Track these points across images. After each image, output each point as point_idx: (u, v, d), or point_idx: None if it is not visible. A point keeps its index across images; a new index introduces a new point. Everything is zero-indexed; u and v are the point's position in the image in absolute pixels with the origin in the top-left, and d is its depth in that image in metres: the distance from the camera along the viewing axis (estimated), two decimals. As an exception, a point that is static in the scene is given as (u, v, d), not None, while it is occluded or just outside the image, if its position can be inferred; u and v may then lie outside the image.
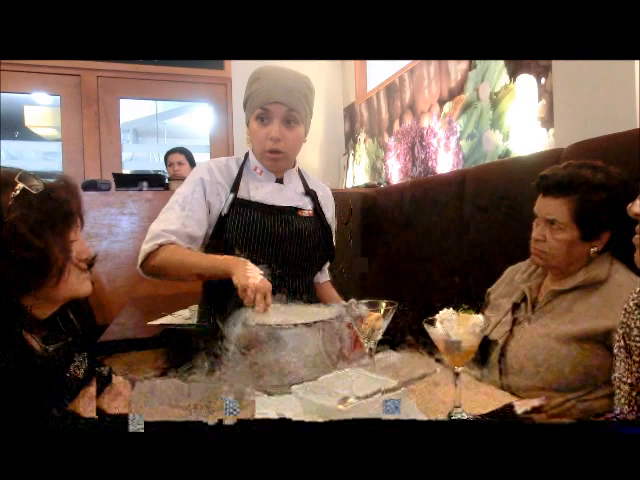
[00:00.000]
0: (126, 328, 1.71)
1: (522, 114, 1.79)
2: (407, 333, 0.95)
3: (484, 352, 1.02)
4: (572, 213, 0.96)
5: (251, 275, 0.89)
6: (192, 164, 2.83)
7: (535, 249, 1.03)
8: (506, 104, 1.88)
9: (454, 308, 0.73)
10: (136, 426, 0.51)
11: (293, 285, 1.11)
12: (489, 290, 1.21)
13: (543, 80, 1.68)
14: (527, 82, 1.76)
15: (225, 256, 0.98)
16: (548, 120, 1.66)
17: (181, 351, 1.02)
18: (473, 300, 0.85)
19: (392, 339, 1.00)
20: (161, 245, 1.01)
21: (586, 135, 1.21)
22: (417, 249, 1.92)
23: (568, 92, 1.57)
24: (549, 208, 0.99)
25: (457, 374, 0.72)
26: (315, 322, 0.83)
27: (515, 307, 1.07)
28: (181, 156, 2.85)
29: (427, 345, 0.78)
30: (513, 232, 1.22)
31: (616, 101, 1.35)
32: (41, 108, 4.91)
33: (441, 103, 2.35)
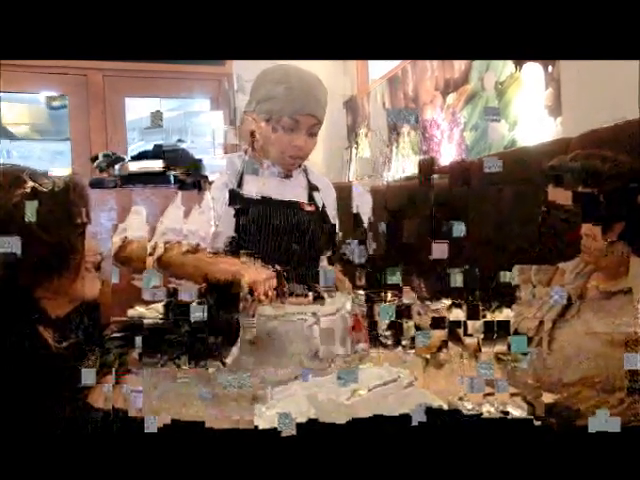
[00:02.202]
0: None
1: (529, 103, 1.77)
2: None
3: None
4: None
5: (259, 278, 0.87)
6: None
7: (584, 246, 0.96)
8: (512, 93, 1.85)
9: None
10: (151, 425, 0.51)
11: (297, 278, 1.11)
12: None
13: (550, 68, 1.65)
14: (534, 70, 1.73)
15: (228, 261, 0.96)
16: (556, 108, 1.64)
17: (184, 344, 1.03)
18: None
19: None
20: (165, 242, 1.01)
21: (595, 123, 1.19)
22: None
23: (576, 79, 1.54)
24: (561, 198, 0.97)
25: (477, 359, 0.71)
26: (320, 313, 0.83)
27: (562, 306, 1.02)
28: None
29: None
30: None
31: (625, 88, 1.32)
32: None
33: (444, 94, 2.33)
